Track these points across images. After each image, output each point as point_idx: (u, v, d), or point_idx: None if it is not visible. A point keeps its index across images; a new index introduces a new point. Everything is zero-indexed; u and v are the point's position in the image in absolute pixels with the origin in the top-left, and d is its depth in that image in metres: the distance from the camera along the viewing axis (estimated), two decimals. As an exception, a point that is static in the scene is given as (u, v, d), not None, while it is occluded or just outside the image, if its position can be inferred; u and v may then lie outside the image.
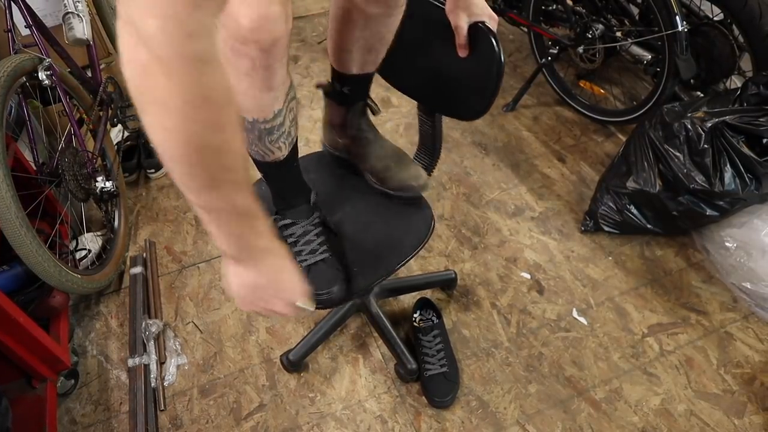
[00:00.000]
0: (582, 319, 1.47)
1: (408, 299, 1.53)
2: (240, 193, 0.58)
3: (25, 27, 1.53)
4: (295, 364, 1.36)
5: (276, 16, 0.68)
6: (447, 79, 1.02)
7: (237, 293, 0.74)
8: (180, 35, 0.44)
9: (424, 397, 1.32)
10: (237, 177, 0.57)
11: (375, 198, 1.17)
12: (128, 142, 2.02)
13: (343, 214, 1.14)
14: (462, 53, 0.94)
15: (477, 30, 0.90)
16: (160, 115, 0.48)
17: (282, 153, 0.94)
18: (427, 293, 1.51)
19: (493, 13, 0.92)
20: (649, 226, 1.60)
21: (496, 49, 0.89)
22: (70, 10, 1.60)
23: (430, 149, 1.21)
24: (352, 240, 1.11)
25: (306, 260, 1.02)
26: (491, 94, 0.95)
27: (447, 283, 1.54)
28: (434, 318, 1.43)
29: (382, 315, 1.38)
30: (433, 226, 1.13)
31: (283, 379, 1.39)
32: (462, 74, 0.98)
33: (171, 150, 0.51)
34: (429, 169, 1.23)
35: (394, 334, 1.36)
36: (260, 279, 0.71)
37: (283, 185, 1.03)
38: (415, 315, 1.44)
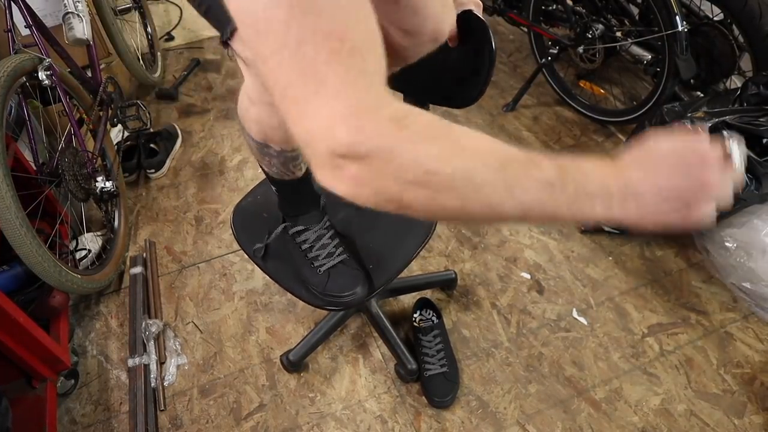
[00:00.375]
0: (582, 319, 1.47)
1: (408, 299, 1.53)
2: (535, 171, 0.47)
3: (25, 27, 1.53)
4: (295, 364, 1.36)
5: None
6: (439, 70, 1.01)
7: (657, 222, 0.52)
8: (370, 118, 0.41)
9: (424, 397, 1.32)
10: (519, 161, 0.47)
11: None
12: (128, 142, 2.02)
13: (346, 214, 1.14)
14: (452, 43, 0.93)
15: (466, 19, 0.90)
16: (421, 198, 0.44)
17: (301, 172, 0.94)
18: (427, 293, 1.51)
19: (478, 0, 0.91)
20: (649, 226, 1.59)
21: (488, 34, 0.89)
22: (70, 10, 1.60)
23: None
24: (360, 239, 1.11)
25: (324, 264, 1.02)
26: (485, 81, 0.94)
27: (447, 283, 1.54)
28: (434, 318, 1.43)
29: (382, 315, 1.38)
30: (435, 226, 1.14)
31: (283, 379, 1.39)
32: (454, 64, 0.97)
33: (454, 204, 0.45)
34: None
35: (394, 334, 1.36)
36: (651, 190, 0.50)
37: (298, 197, 1.03)
38: (415, 315, 1.44)
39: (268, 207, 1.15)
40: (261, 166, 0.97)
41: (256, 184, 1.24)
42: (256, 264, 1.10)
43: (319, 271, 1.02)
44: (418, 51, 0.85)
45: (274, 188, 1.00)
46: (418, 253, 1.11)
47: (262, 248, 1.08)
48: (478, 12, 0.90)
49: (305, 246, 1.04)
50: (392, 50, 0.86)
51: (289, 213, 1.05)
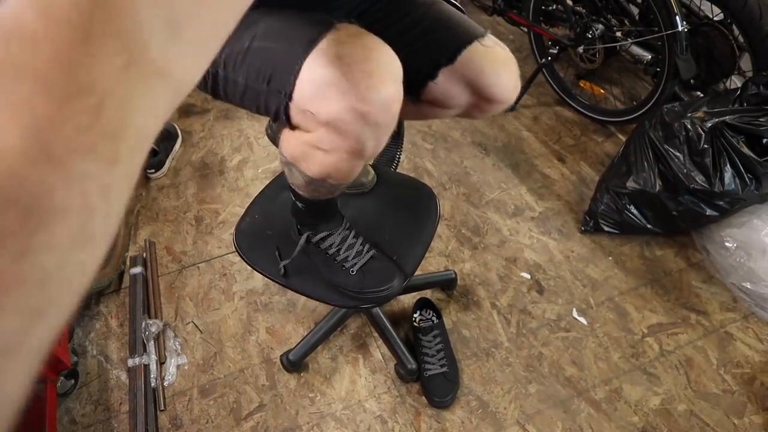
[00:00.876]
0: (582, 319, 1.47)
1: (408, 299, 1.53)
2: None
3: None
4: (295, 364, 1.36)
5: (396, 96, 0.69)
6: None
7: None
8: None
9: (424, 397, 1.32)
10: None
11: (372, 192, 1.19)
12: (128, 142, 2.02)
13: (351, 215, 1.14)
14: None
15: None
16: None
17: (338, 192, 0.94)
18: (427, 293, 1.51)
19: None
20: (649, 226, 1.60)
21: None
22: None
23: (394, 133, 1.24)
24: (377, 231, 1.12)
25: (356, 263, 1.02)
26: None
27: (447, 284, 1.54)
28: (434, 318, 1.43)
29: (382, 315, 1.38)
30: (440, 208, 1.18)
31: (283, 379, 1.39)
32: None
33: None
34: (395, 154, 1.25)
35: (394, 334, 1.36)
36: None
37: (326, 209, 1.02)
38: (415, 315, 1.44)
39: (269, 225, 1.14)
40: (295, 189, 0.94)
41: (249, 202, 1.22)
42: (280, 284, 1.08)
43: (352, 271, 1.01)
44: (489, 113, 0.94)
45: (300, 204, 0.98)
46: (434, 233, 1.13)
47: (282, 267, 1.07)
48: None
49: (332, 251, 1.03)
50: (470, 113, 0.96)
51: (307, 222, 1.04)
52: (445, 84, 0.88)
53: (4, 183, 0.18)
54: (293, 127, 0.77)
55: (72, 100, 0.19)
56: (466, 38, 0.87)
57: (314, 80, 0.69)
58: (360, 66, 0.67)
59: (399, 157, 1.32)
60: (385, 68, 0.68)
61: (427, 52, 0.87)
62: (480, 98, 0.90)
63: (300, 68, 0.69)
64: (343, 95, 0.67)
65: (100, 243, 0.22)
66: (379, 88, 0.67)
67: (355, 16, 0.89)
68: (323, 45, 0.69)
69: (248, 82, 0.74)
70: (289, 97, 0.71)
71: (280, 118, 0.75)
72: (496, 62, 0.88)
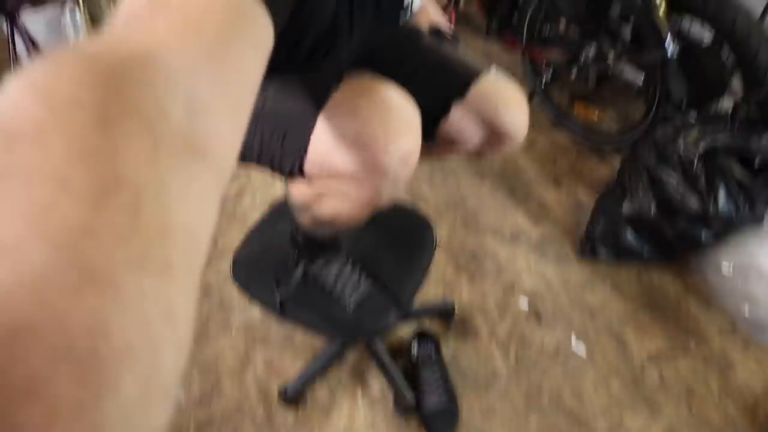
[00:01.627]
0: (581, 347, 1.46)
1: (405, 330, 1.52)
2: None
3: (28, 56, 1.57)
4: (293, 397, 1.35)
5: (415, 148, 0.69)
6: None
7: None
8: None
9: (424, 430, 1.31)
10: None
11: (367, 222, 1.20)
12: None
13: (346, 244, 1.14)
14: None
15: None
16: None
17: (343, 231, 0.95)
18: (425, 323, 1.51)
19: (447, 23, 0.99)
20: (645, 250, 1.59)
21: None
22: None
23: None
24: (374, 260, 1.12)
25: (352, 296, 1.02)
26: None
27: (444, 313, 1.53)
28: (432, 349, 1.42)
29: (380, 347, 1.37)
30: (437, 238, 1.19)
31: (281, 413, 1.37)
32: None
33: None
34: None
35: (392, 367, 1.35)
36: None
37: (325, 242, 1.03)
38: (412, 346, 1.43)
39: (267, 254, 1.15)
40: (298, 223, 0.95)
41: (247, 231, 1.23)
42: (278, 316, 1.08)
43: (349, 304, 1.01)
44: (501, 152, 0.96)
45: (300, 239, 0.98)
46: (430, 264, 1.14)
47: (278, 298, 1.06)
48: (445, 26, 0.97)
49: (329, 283, 1.03)
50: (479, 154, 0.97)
51: (306, 253, 1.04)
52: (459, 121, 0.88)
53: (43, 325, 0.13)
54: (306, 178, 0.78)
55: (104, 200, 0.15)
56: (473, 73, 0.88)
57: (331, 135, 0.69)
58: (378, 119, 0.66)
59: None
60: (404, 120, 0.68)
61: (437, 90, 0.87)
62: (493, 135, 0.90)
63: (314, 124, 0.69)
64: (361, 149, 0.67)
65: (170, 390, 0.16)
66: (398, 141, 0.66)
67: (360, 64, 0.90)
68: (337, 99, 0.69)
69: (263, 144, 0.75)
70: (304, 154, 0.71)
71: (294, 175, 0.75)
72: (511, 99, 0.89)
